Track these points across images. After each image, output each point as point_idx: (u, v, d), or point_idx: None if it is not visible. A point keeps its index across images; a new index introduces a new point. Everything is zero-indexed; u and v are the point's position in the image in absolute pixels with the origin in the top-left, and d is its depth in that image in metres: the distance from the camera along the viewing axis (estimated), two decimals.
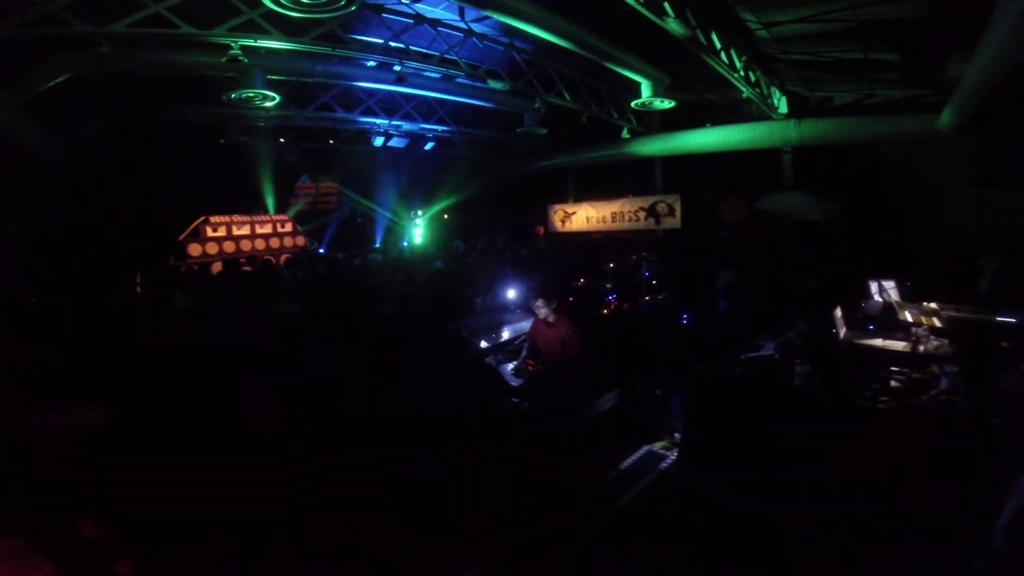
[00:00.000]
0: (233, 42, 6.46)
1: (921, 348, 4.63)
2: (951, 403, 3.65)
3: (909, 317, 5.33)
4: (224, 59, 6.59)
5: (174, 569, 3.27)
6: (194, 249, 11.86)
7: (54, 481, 3.02)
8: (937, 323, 5.19)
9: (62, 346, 4.97)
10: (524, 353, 5.49)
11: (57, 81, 6.99)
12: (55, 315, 6.81)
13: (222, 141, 11.86)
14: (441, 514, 3.98)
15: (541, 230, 17.52)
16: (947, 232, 9.84)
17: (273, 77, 8.46)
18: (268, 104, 8.58)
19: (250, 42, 6.58)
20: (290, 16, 5.61)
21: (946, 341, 4.78)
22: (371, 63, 8.97)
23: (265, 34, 6.51)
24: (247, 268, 10.65)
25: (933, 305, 5.69)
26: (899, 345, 4.82)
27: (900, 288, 6.16)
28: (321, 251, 14.72)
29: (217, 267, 11.57)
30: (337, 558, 3.57)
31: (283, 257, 13.13)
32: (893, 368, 4.25)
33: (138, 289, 8.72)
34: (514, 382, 5.18)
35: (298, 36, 6.78)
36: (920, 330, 4.82)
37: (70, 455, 3.01)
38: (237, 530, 3.63)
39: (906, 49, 8.08)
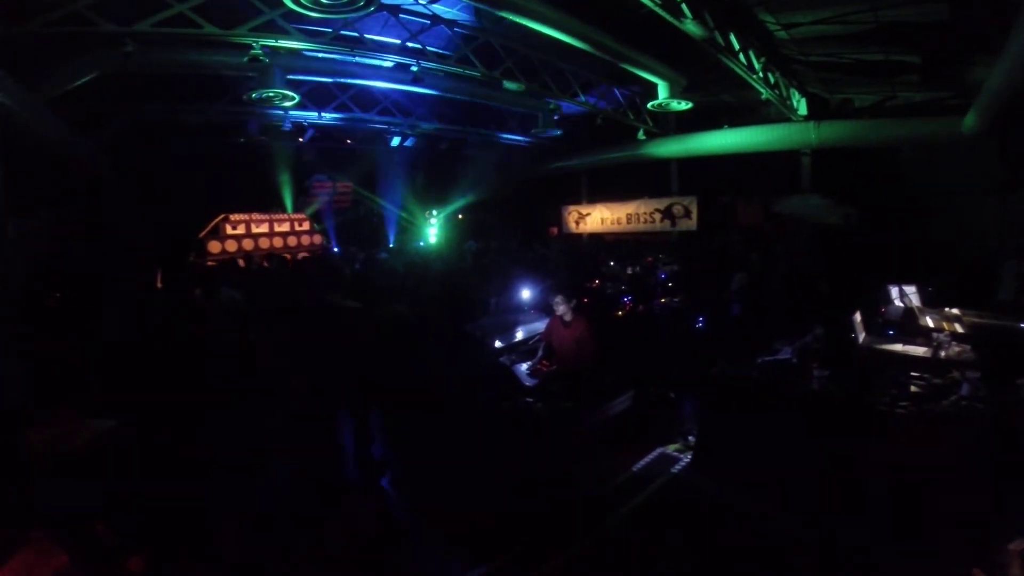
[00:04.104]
0: (254, 42, 6.55)
1: (942, 354, 4.57)
2: (972, 409, 3.60)
3: (930, 323, 5.26)
4: (245, 59, 6.68)
5: (184, 567, 3.30)
6: (214, 246, 12.03)
7: (67, 484, 3.05)
8: (959, 328, 5.12)
9: (88, 341, 5.04)
10: (540, 353, 5.50)
11: (84, 80, 7.11)
12: (76, 311, 6.91)
13: (242, 140, 12.03)
14: (452, 512, 3.99)
15: (555, 231, 17.51)
16: (967, 237, 9.69)
17: (293, 77, 8.56)
18: (287, 104, 8.68)
19: (271, 42, 6.66)
20: (310, 16, 5.68)
21: (968, 347, 4.71)
22: (388, 63, 9.04)
23: (285, 34, 6.59)
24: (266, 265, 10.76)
25: (955, 311, 5.61)
26: (919, 350, 4.76)
27: (921, 293, 6.08)
28: (336, 250, 14.85)
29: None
30: (346, 554, 3.58)
31: (299, 255, 13.25)
32: (913, 373, 4.20)
33: (158, 285, 8.84)
34: (528, 382, 5.19)
35: (317, 36, 6.85)
36: (941, 335, 4.76)
37: (80, 461, 3.05)
38: (247, 524, 3.65)
39: (928, 51, 7.97)
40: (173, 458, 3.52)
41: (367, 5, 5.29)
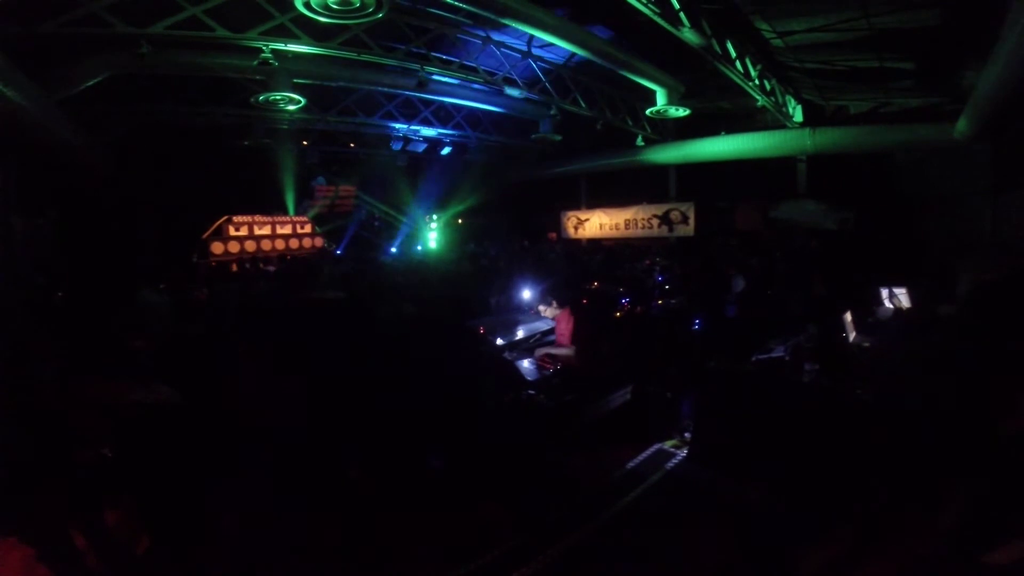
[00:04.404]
0: (264, 46, 6.69)
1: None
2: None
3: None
4: (255, 62, 6.83)
5: (190, 556, 3.37)
6: (217, 247, 12.14)
7: (92, 462, 3.10)
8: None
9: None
10: (542, 349, 5.62)
11: (95, 80, 7.25)
12: (80, 309, 6.97)
13: (246, 143, 12.19)
14: (453, 505, 4.08)
15: (554, 236, 17.65)
16: (960, 239, 9.83)
17: (299, 81, 8.72)
18: (293, 107, 8.83)
19: (280, 46, 6.80)
20: (319, 21, 5.84)
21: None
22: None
23: (294, 38, 6.74)
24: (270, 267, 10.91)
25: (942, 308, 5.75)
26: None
27: (911, 294, 6.22)
28: (339, 253, 14.98)
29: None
30: (347, 547, 3.63)
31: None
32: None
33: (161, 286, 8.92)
34: (530, 376, 5.31)
35: (325, 41, 7.01)
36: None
37: (120, 431, 3.10)
38: (248, 521, 3.69)
39: (921, 57, 8.14)
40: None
41: (376, 11, 5.45)
